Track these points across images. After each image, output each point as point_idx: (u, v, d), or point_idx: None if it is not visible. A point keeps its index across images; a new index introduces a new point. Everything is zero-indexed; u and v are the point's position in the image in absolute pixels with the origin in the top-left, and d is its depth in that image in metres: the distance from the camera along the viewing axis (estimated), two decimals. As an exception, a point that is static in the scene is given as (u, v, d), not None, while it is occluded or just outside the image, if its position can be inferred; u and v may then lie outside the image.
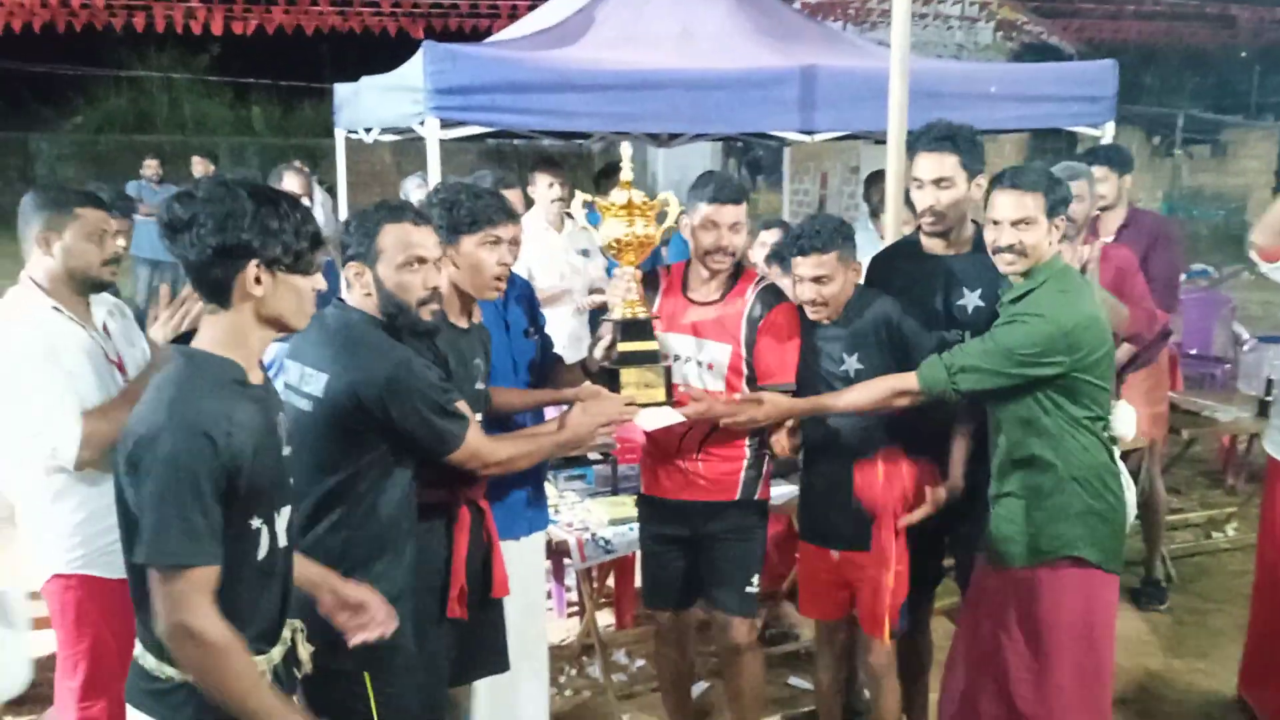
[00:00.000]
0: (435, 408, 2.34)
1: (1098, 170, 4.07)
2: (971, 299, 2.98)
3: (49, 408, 2.50)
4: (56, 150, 19.69)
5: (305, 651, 2.05)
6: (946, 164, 2.90)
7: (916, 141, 2.99)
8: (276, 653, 1.96)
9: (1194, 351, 7.28)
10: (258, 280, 1.84)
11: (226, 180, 1.88)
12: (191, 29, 11.67)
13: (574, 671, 4.12)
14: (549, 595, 4.30)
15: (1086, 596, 2.79)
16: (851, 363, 2.96)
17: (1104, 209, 4.16)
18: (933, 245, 3.07)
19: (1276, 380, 4.82)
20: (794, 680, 3.97)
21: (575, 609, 4.54)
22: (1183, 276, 5.57)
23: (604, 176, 5.21)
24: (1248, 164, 16.35)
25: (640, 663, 4.19)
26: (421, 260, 2.39)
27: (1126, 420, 3.20)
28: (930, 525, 2.98)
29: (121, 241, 2.78)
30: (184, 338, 2.35)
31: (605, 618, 4.38)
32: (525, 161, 11.60)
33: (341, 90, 5.95)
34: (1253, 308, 10.71)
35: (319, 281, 1.97)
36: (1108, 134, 4.85)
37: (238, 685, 1.77)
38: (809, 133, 4.49)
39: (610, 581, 4.52)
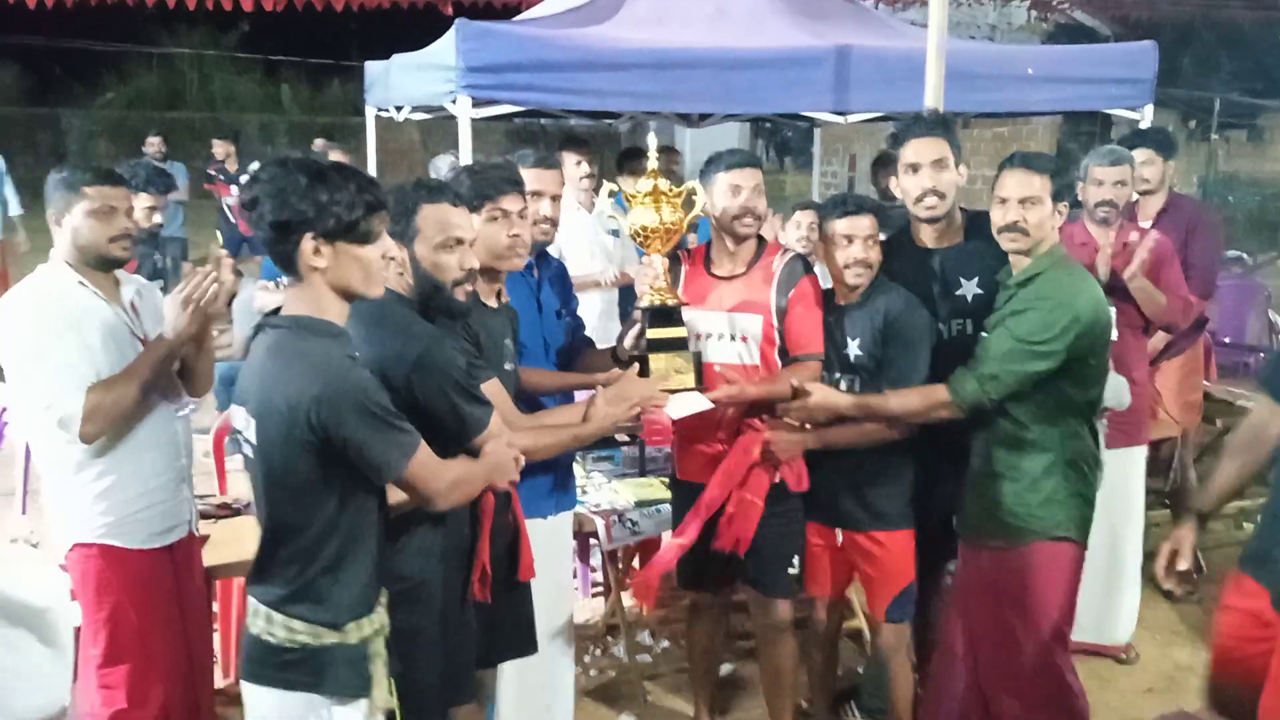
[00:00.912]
0: (461, 391, 2.33)
1: (1142, 154, 4.01)
2: (970, 287, 3.01)
3: (60, 380, 2.54)
4: (87, 126, 19.83)
5: (386, 620, 2.17)
6: (941, 148, 2.95)
7: (908, 130, 3.02)
8: (382, 615, 2.13)
9: (1228, 340, 7.18)
10: (316, 252, 1.95)
11: (286, 159, 1.96)
12: (223, 4, 11.70)
13: (599, 651, 4.14)
14: (574, 575, 4.31)
15: (1072, 572, 2.85)
16: (853, 347, 2.99)
17: (1145, 193, 4.10)
18: (926, 237, 3.08)
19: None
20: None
21: (599, 589, 4.56)
22: (1218, 263, 5.48)
23: (627, 159, 5.18)
24: (1286, 149, 16.08)
25: (665, 643, 4.20)
26: (459, 241, 2.41)
27: (1119, 391, 3.21)
28: (933, 511, 3.01)
29: (153, 218, 2.80)
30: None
31: (629, 599, 4.39)
32: (553, 141, 11.57)
33: (372, 68, 5.95)
34: (1288, 295, 10.55)
35: (387, 247, 2.04)
36: (1146, 117, 4.78)
37: (479, 483, 2.27)
38: (842, 114, 4.45)
39: (636, 563, 4.54)
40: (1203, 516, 2.64)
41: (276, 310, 2.12)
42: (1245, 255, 10.14)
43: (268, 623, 2.02)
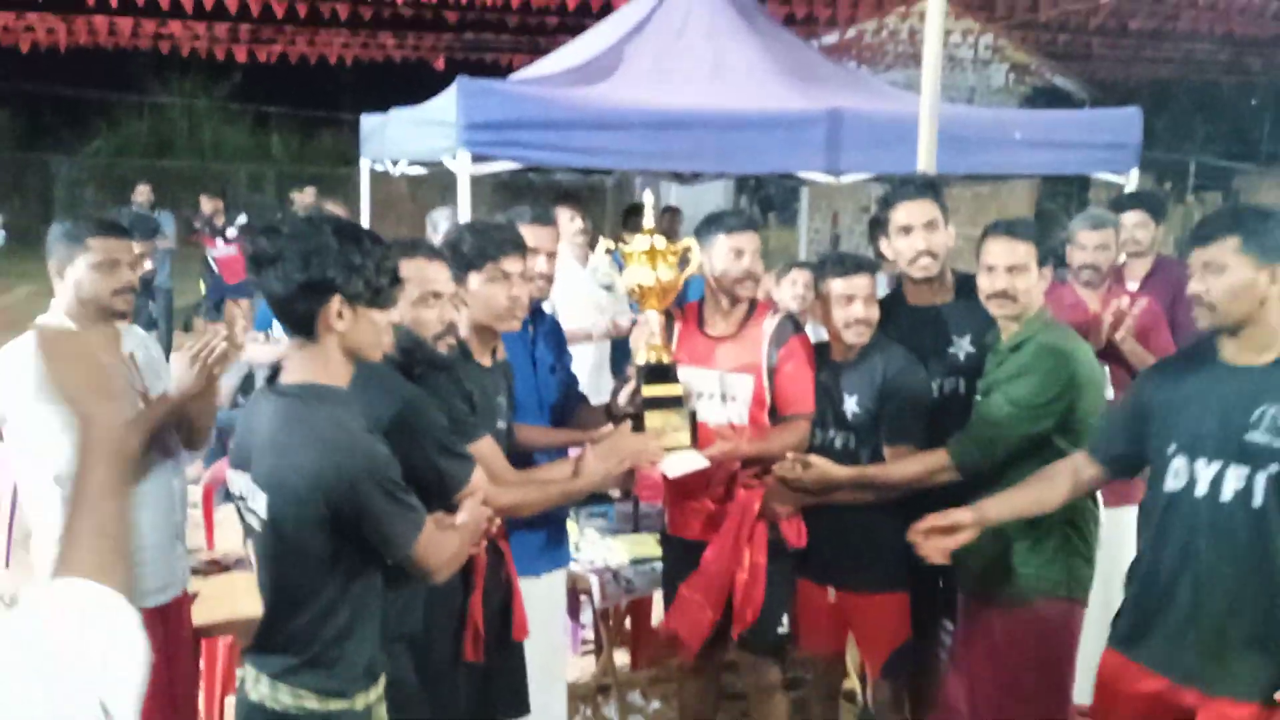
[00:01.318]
0: (441, 447, 2.33)
1: (1135, 216, 4.07)
2: (963, 345, 3.04)
3: (56, 432, 2.50)
4: (75, 173, 19.85)
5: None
6: (931, 210, 3.01)
7: (898, 192, 3.07)
8: (382, 681, 2.11)
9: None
10: (340, 315, 1.92)
11: (312, 216, 1.98)
12: (215, 54, 11.81)
13: (589, 711, 4.09)
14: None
15: (1073, 631, 2.85)
16: (850, 404, 3.00)
17: (1134, 255, 4.16)
18: (918, 296, 3.12)
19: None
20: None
21: (589, 647, 4.51)
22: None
23: (630, 215, 5.25)
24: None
25: (656, 704, 4.15)
26: (436, 295, 2.43)
27: None
28: (926, 569, 3.00)
29: (145, 267, 2.80)
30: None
31: (620, 657, 4.34)
32: (541, 196, 11.65)
33: (368, 121, 6.00)
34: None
35: (396, 315, 2.04)
36: (1132, 181, 4.88)
37: (466, 550, 2.21)
38: (835, 174, 4.52)
39: (627, 622, 4.50)
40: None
41: (276, 371, 2.08)
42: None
43: (272, 689, 1.98)
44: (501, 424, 2.75)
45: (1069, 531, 2.80)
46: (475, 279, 2.67)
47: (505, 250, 2.69)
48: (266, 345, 4.79)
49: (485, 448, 2.52)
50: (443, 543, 2.08)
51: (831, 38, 12.20)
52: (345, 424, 1.93)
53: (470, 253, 2.66)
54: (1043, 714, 2.83)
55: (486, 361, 2.76)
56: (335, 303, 1.90)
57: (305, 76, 13.27)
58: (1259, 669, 2.25)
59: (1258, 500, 2.23)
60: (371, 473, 1.91)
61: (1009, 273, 2.77)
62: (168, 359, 2.91)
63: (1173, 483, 2.35)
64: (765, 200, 18.81)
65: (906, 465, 2.90)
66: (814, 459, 2.90)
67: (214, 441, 4.54)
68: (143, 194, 10.43)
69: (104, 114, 20.47)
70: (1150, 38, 10.59)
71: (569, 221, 4.81)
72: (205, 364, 2.57)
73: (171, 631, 2.79)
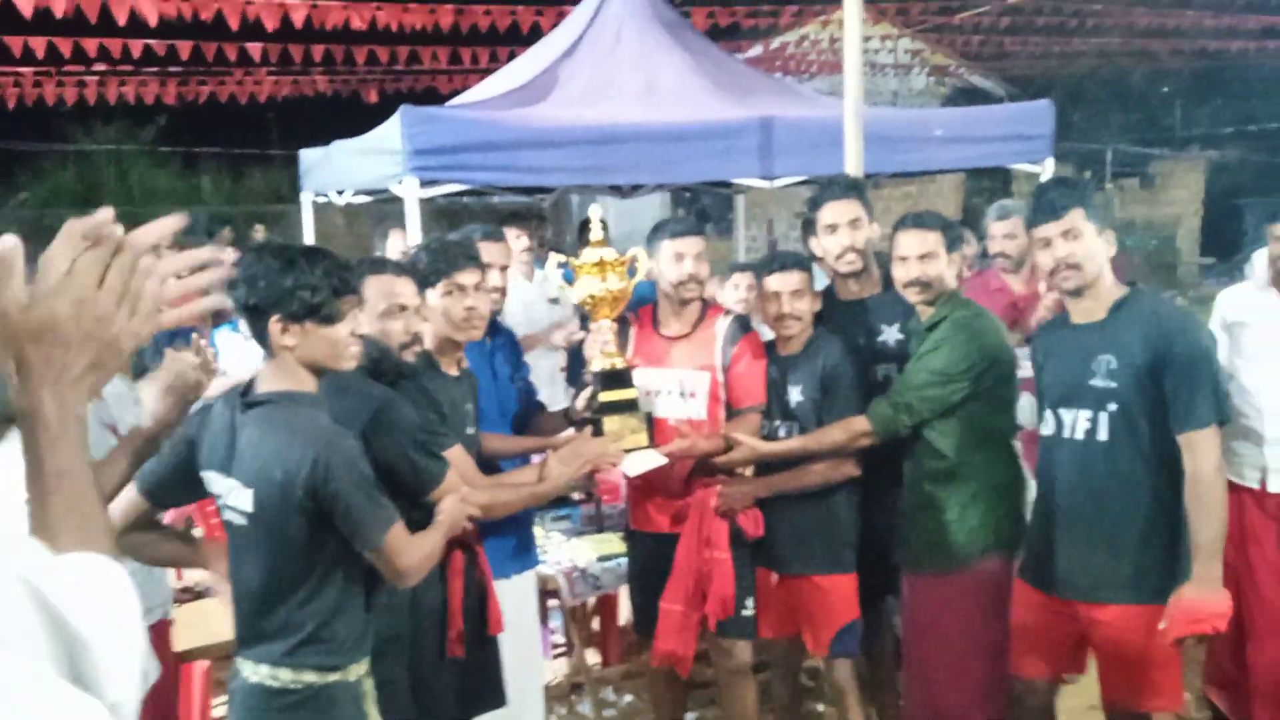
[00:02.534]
0: (417, 446, 2.46)
1: None
2: (891, 333, 3.26)
3: None
4: (3, 226, 19.36)
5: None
6: (855, 208, 3.21)
7: (824, 193, 3.27)
8: (365, 664, 2.22)
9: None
10: (285, 331, 2.11)
11: (263, 245, 2.16)
12: (144, 99, 11.73)
13: (564, 710, 4.19)
14: (537, 638, 4.37)
15: (1005, 589, 3.02)
16: (794, 394, 3.17)
17: None
18: (847, 290, 3.33)
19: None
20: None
21: (560, 650, 4.61)
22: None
23: (585, 229, 5.40)
24: (1177, 194, 17.01)
25: (628, 698, 4.27)
26: (403, 308, 2.58)
27: (1026, 410, 3.46)
28: (874, 545, 3.17)
29: None
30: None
31: (591, 656, 4.45)
32: (477, 219, 11.70)
33: (308, 155, 6.07)
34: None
35: (355, 325, 2.19)
36: (1047, 170, 5.12)
37: (438, 551, 2.34)
38: (769, 179, 4.70)
39: (595, 623, 4.61)
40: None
41: (249, 387, 2.23)
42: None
43: (272, 670, 2.13)
44: (470, 430, 2.87)
45: (994, 496, 2.99)
46: (433, 294, 2.80)
47: (459, 264, 2.82)
48: (216, 380, 4.82)
49: (456, 455, 2.63)
50: (411, 545, 2.21)
51: (756, 50, 12.50)
52: (319, 421, 2.12)
53: (427, 269, 2.79)
54: (986, 674, 3.00)
55: (453, 371, 2.89)
56: (274, 322, 2.10)
57: (233, 115, 13.18)
58: (1124, 578, 2.68)
59: (1102, 435, 2.68)
60: (345, 464, 2.07)
61: (921, 261, 2.99)
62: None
63: (1045, 430, 2.82)
64: (701, 212, 19.04)
65: (828, 433, 3.07)
66: (740, 436, 3.06)
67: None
68: None
69: (28, 165, 20.11)
70: (1059, 33, 11.02)
71: (515, 240, 4.94)
72: (179, 393, 2.64)
73: (154, 652, 2.84)
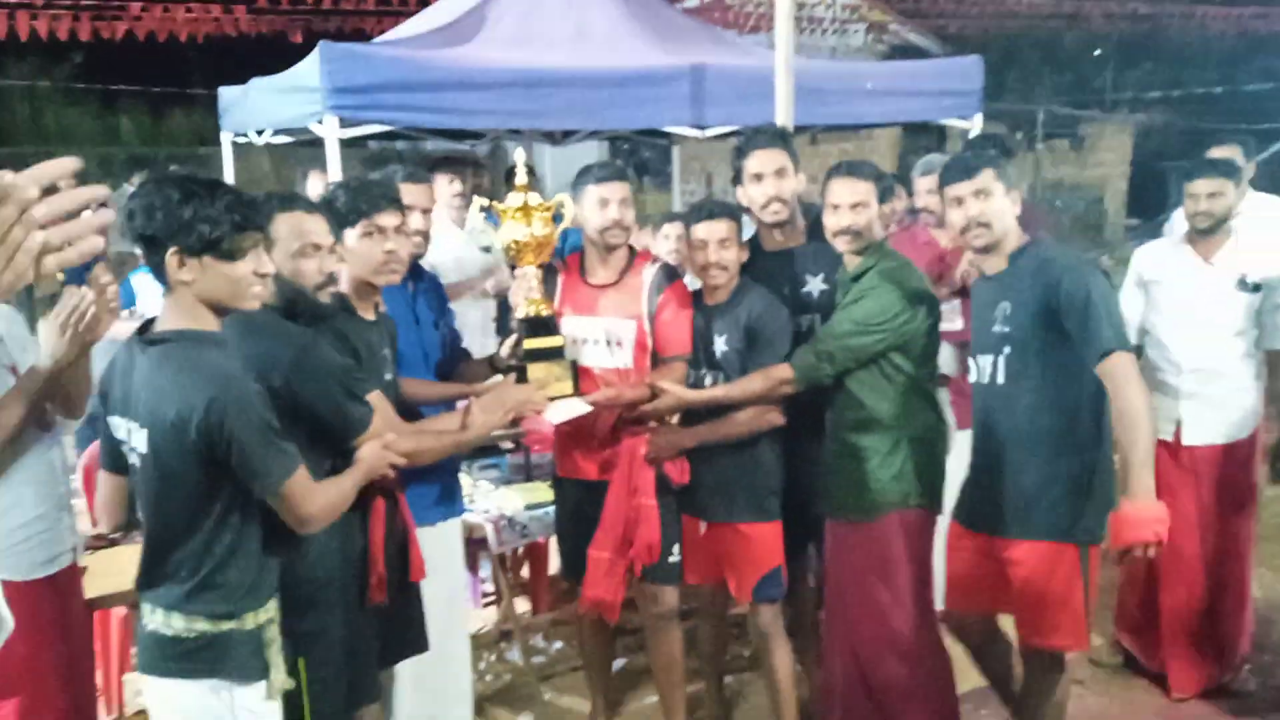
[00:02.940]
0: (343, 389, 2.41)
1: None
2: (815, 284, 3.26)
3: None
4: (-95, 166, 18.47)
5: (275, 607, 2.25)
6: (781, 158, 3.19)
7: (751, 142, 3.24)
8: (275, 605, 2.21)
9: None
10: (181, 265, 2.03)
11: (164, 176, 2.05)
12: (57, 35, 11.24)
13: (493, 657, 4.20)
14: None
15: (927, 537, 3.10)
16: (720, 344, 3.17)
17: None
18: (772, 240, 3.31)
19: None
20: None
21: (490, 599, 4.61)
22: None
23: (510, 177, 5.30)
24: (1105, 156, 17.30)
25: (558, 644, 4.29)
26: (316, 247, 2.48)
27: (948, 360, 3.53)
28: (797, 493, 3.21)
29: None
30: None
31: (521, 605, 4.46)
32: (409, 165, 11.46)
33: (227, 94, 5.86)
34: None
35: (259, 264, 2.10)
36: (976, 125, 5.16)
37: (349, 497, 2.34)
38: (700, 127, 4.66)
39: (524, 571, 4.62)
40: None
41: (148, 324, 2.17)
42: (1073, 255, 10.88)
43: (165, 617, 2.11)
44: (389, 376, 2.81)
45: (915, 447, 3.03)
46: (351, 235, 2.72)
47: (379, 206, 2.74)
48: (128, 321, 4.69)
49: (376, 401, 2.57)
50: (314, 493, 2.17)
51: (693, 1, 12.37)
52: (216, 362, 2.06)
53: (345, 209, 2.71)
54: (905, 622, 3.05)
55: (369, 315, 2.82)
56: (172, 255, 2.02)
57: (154, 54, 12.71)
58: (1025, 515, 2.84)
59: (1000, 379, 2.85)
60: (241, 406, 2.02)
61: (852, 210, 2.99)
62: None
63: (971, 377, 2.98)
64: (640, 165, 18.91)
65: (751, 381, 3.08)
66: (665, 385, 3.06)
67: (87, 423, 4.46)
68: None
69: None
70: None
71: (447, 184, 4.82)
72: (76, 330, 2.55)
73: (63, 601, 2.78)
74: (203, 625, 2.10)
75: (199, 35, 12.00)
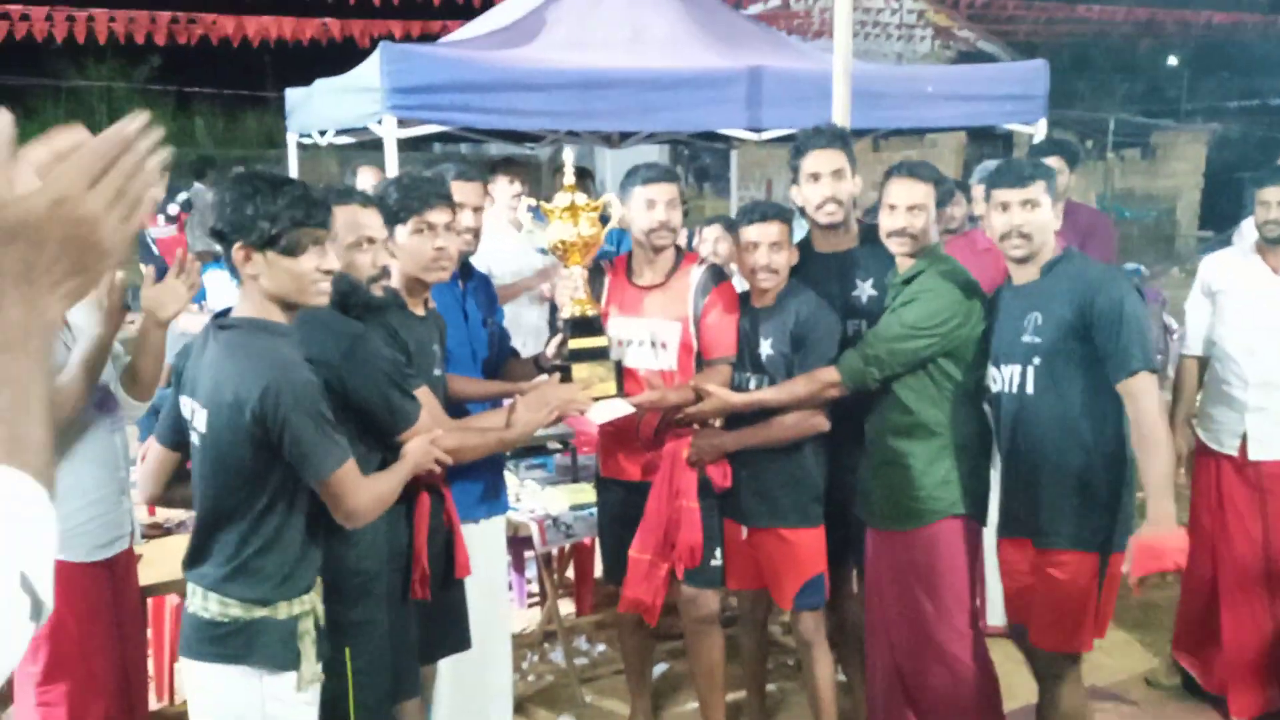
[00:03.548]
0: (392, 382, 2.43)
1: (1054, 162, 4.24)
2: (865, 289, 3.20)
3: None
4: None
5: (321, 608, 2.29)
6: (839, 159, 3.14)
7: (809, 141, 3.18)
8: (314, 598, 2.23)
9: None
10: (247, 259, 2.10)
11: (237, 174, 2.13)
12: (134, 38, 11.56)
13: (536, 658, 4.21)
14: (510, 587, 4.37)
15: (971, 547, 3.04)
16: (765, 346, 3.13)
17: None
18: (824, 243, 3.26)
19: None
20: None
21: (535, 600, 4.63)
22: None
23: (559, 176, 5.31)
24: (1177, 166, 16.89)
25: (601, 647, 4.29)
26: (370, 240, 2.51)
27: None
28: (841, 500, 3.16)
29: None
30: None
31: (565, 606, 4.47)
32: (463, 164, 11.55)
33: (293, 94, 5.97)
34: (1182, 304, 11.09)
35: (323, 261, 2.15)
36: (1040, 131, 5.05)
37: (395, 493, 2.36)
38: (756, 130, 4.63)
39: (569, 572, 4.62)
40: None
41: (226, 312, 2.24)
42: (1142, 267, 10.66)
43: (203, 600, 2.15)
44: (437, 372, 2.83)
45: (960, 454, 2.97)
46: (402, 231, 2.74)
47: (430, 202, 2.76)
48: (197, 315, 4.80)
49: (424, 396, 2.60)
50: (362, 486, 2.20)
51: (757, 7, 12.33)
52: (278, 349, 2.11)
53: (396, 205, 2.73)
54: (948, 633, 2.99)
55: (419, 311, 2.84)
56: (237, 249, 2.10)
57: (228, 57, 13.00)
58: (1056, 523, 2.82)
59: (1030, 389, 2.81)
60: (296, 394, 2.06)
61: (909, 211, 2.94)
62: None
63: (993, 387, 2.91)
64: (700, 170, 18.96)
65: (797, 384, 3.04)
66: (710, 387, 3.03)
67: (150, 414, 4.56)
68: None
69: (19, 102, 19.87)
70: (1064, -2, 10.87)
71: (507, 185, 4.85)
72: (105, 309, 2.60)
73: (119, 583, 2.85)
74: (236, 611, 2.14)
75: (270, 40, 12.25)
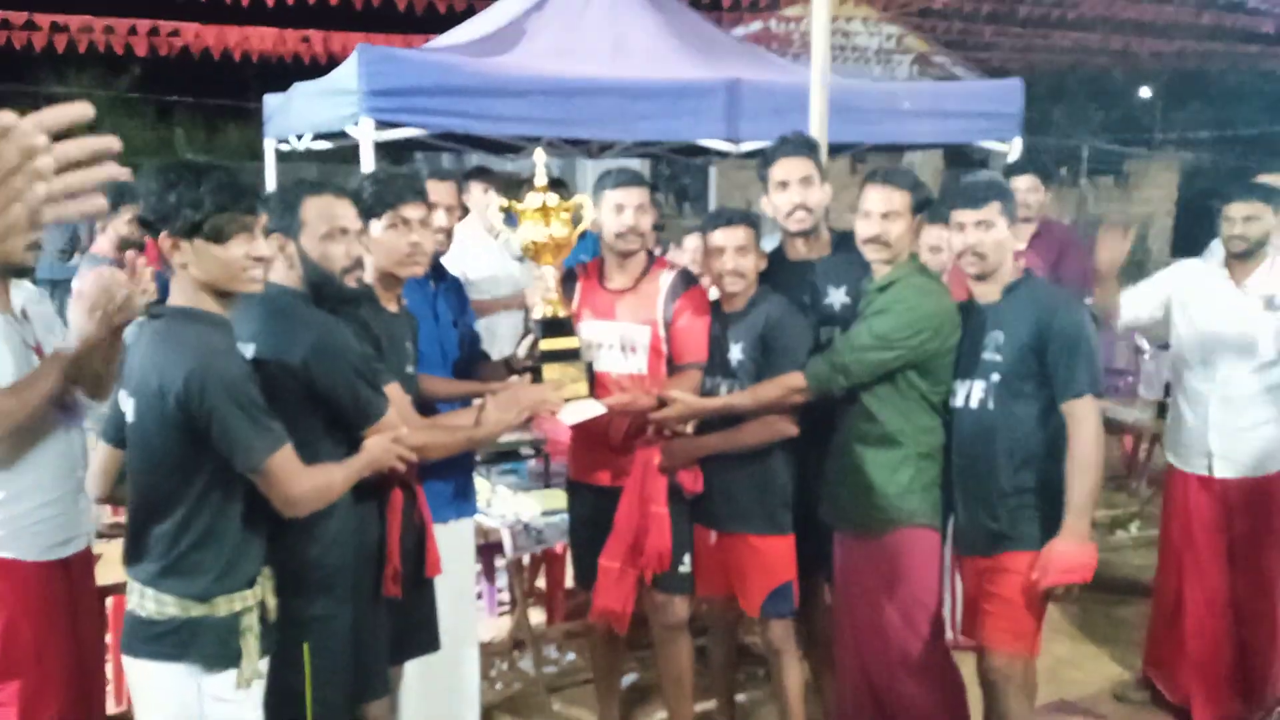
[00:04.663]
0: (360, 376, 2.41)
1: (1026, 180, 4.28)
2: (837, 296, 3.20)
3: None
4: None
5: (272, 600, 2.25)
6: (808, 166, 3.15)
7: (777, 150, 3.20)
8: (256, 592, 2.19)
9: (1098, 364, 7.58)
10: (175, 248, 2.09)
11: (161, 164, 2.12)
12: (114, 48, 11.49)
13: (505, 665, 4.17)
14: (480, 596, 4.33)
15: (933, 556, 3.03)
16: (735, 352, 3.13)
17: (1023, 218, 4.36)
18: (796, 250, 3.27)
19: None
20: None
21: (505, 609, 4.59)
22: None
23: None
24: (1150, 193, 17.11)
25: (570, 656, 4.25)
26: (344, 231, 2.49)
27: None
28: (813, 509, 3.14)
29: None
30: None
31: (536, 615, 4.43)
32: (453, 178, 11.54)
33: (271, 100, 5.94)
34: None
35: (252, 248, 2.13)
36: (1015, 149, 5.10)
37: (343, 485, 2.30)
38: (734, 141, 4.64)
39: (540, 581, 4.59)
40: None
41: (159, 303, 2.23)
42: (1115, 292, 10.72)
43: (140, 598, 2.12)
44: (409, 369, 2.81)
45: (923, 465, 2.97)
46: (376, 226, 2.73)
47: (405, 197, 2.75)
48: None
49: (394, 393, 2.58)
50: (300, 474, 2.16)
51: (739, 31, 12.42)
52: (205, 337, 2.09)
53: (371, 200, 2.72)
54: (913, 641, 2.98)
55: (393, 308, 2.82)
56: (164, 238, 2.09)
57: (210, 68, 12.95)
58: (1015, 527, 2.88)
59: (989, 404, 2.87)
60: (223, 382, 2.03)
61: (884, 219, 2.94)
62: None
63: (954, 402, 2.99)
64: (680, 190, 19.00)
65: (764, 389, 3.04)
66: (675, 393, 3.02)
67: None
68: None
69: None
70: (1041, 24, 11.00)
71: (483, 195, 4.84)
72: (106, 312, 2.58)
73: (76, 583, 2.79)
74: (172, 610, 2.11)
75: (253, 55, 12.20)
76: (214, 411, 2.02)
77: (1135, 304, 3.80)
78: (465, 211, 4.72)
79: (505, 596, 4.64)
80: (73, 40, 11.13)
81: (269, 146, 6.08)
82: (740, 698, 3.79)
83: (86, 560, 2.89)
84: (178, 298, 2.15)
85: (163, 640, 2.11)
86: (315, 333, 2.36)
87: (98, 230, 4.56)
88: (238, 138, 19.23)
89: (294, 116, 5.22)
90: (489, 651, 4.10)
